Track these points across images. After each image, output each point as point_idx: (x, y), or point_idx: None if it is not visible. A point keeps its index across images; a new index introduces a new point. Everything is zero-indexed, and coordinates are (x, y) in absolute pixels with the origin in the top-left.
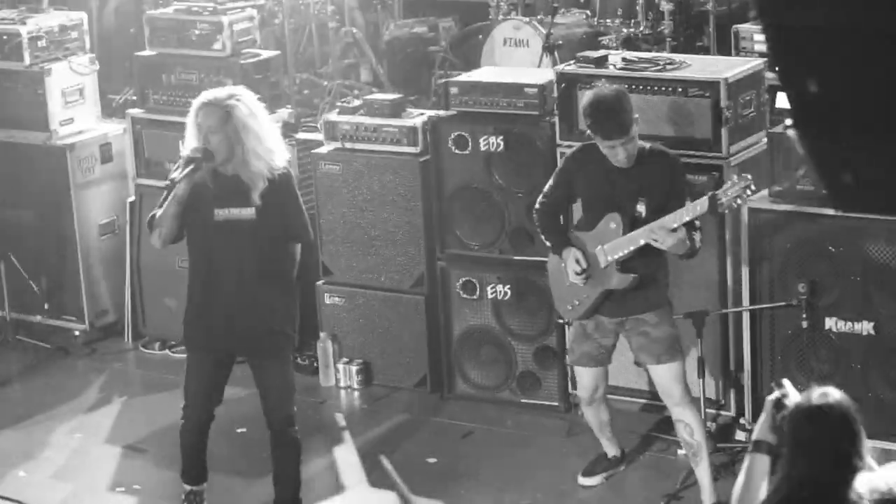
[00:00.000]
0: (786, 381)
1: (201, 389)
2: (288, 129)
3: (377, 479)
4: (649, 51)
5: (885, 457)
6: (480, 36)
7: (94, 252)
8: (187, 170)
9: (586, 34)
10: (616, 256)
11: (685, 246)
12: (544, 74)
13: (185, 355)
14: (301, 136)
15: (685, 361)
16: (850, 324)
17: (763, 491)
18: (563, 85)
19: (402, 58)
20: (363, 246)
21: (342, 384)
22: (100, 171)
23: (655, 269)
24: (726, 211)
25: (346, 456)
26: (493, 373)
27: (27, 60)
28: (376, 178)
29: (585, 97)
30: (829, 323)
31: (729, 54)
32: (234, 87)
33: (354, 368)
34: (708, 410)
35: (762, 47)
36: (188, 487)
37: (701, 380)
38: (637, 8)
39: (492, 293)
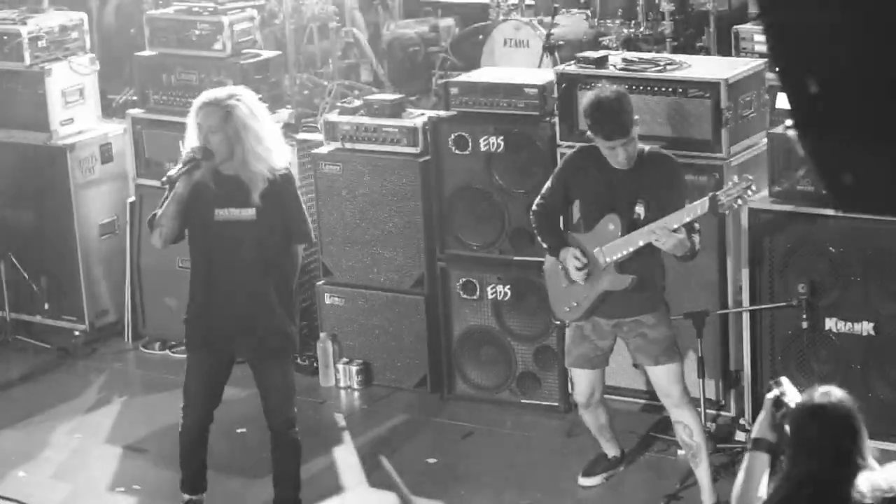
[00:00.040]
0: (784, 380)
1: (201, 389)
2: (288, 130)
3: (377, 479)
4: (649, 51)
5: (885, 457)
6: (481, 36)
7: (94, 252)
8: (185, 167)
9: (587, 34)
10: (615, 258)
11: (685, 247)
12: (544, 75)
13: (184, 356)
14: (301, 136)
15: (683, 362)
16: (850, 324)
17: (763, 489)
18: (564, 85)
19: (403, 58)
20: (363, 246)
21: (342, 384)
22: (100, 171)
23: (653, 271)
24: (727, 212)
25: (346, 456)
26: (493, 373)
27: (27, 60)
28: (376, 178)
29: (586, 98)
30: (830, 323)
31: (729, 55)
32: (234, 87)
33: (354, 369)
34: (708, 411)
35: (762, 48)
36: (187, 497)
37: (701, 380)
38: (637, 8)
39: (492, 293)
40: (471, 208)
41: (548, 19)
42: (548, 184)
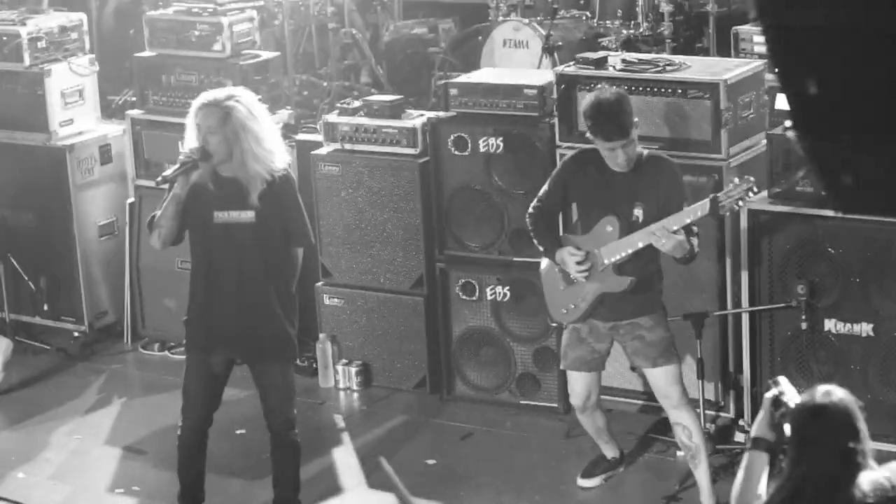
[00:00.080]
0: (782, 379)
1: (201, 390)
2: (288, 131)
3: (376, 480)
4: (649, 52)
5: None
6: (480, 37)
7: (93, 253)
8: (181, 168)
9: (586, 35)
10: (614, 259)
11: (684, 249)
12: (544, 76)
13: (184, 356)
14: (301, 137)
15: (681, 364)
16: (849, 325)
17: (762, 488)
18: (563, 86)
19: (402, 59)
20: (362, 247)
21: (341, 385)
22: (99, 172)
23: (651, 274)
24: (728, 213)
25: (346, 457)
26: (493, 374)
27: (27, 61)
28: (376, 179)
29: (586, 99)
30: (829, 324)
31: (729, 56)
32: (233, 87)
33: (354, 370)
34: (707, 412)
35: (762, 49)
36: None
37: (700, 381)
38: (637, 9)
39: (491, 294)
40: (470, 209)
41: (548, 20)
42: (545, 187)
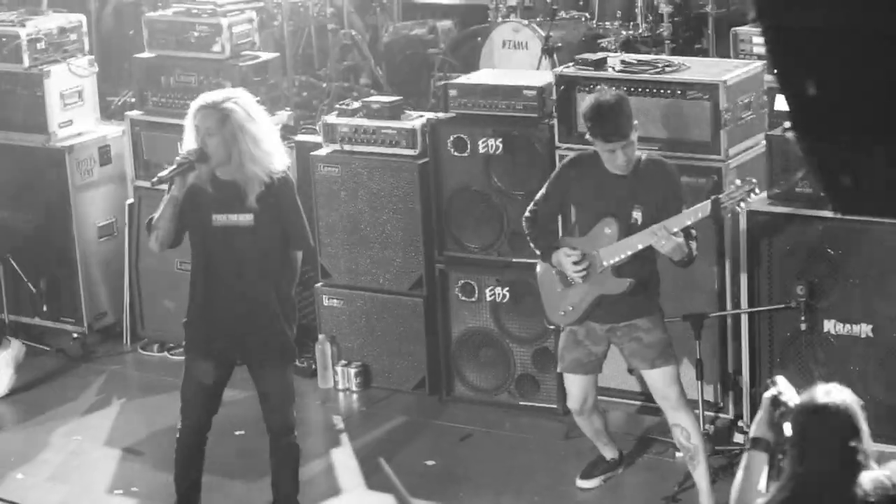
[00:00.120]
0: (780, 379)
1: (200, 393)
2: (287, 132)
3: (376, 481)
4: (648, 53)
5: (883, 459)
6: (479, 38)
7: (92, 254)
8: (177, 168)
9: (585, 36)
10: (612, 261)
11: (683, 252)
12: (543, 77)
13: (183, 358)
14: (300, 138)
15: (679, 365)
16: (848, 326)
17: (762, 488)
18: (562, 87)
19: (401, 60)
20: (362, 248)
21: (340, 386)
22: (98, 173)
23: (648, 275)
24: (728, 215)
25: (345, 458)
26: (492, 375)
27: (26, 62)
28: (375, 180)
29: (586, 101)
30: (828, 325)
31: (728, 57)
32: (232, 89)
33: (353, 371)
34: (706, 413)
35: (761, 49)
36: None
37: (699, 382)
38: (636, 10)
39: (490, 295)
40: (469, 210)
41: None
42: (542, 190)
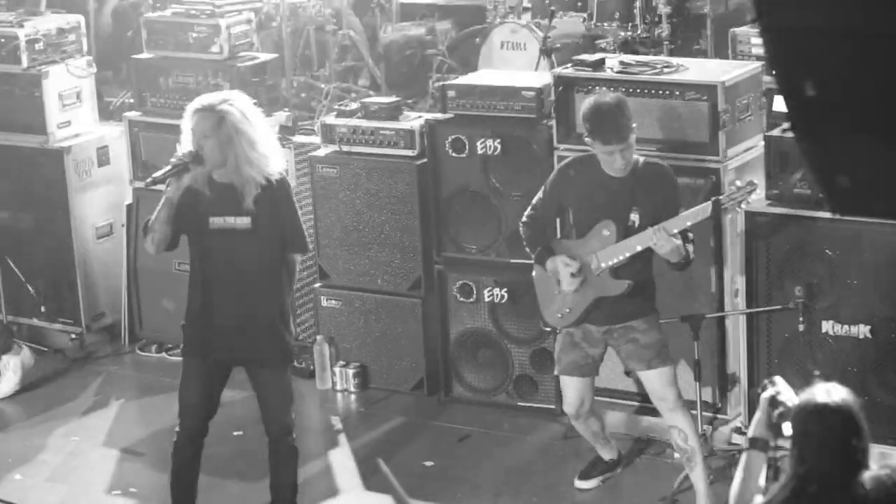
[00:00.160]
0: (778, 379)
1: (197, 396)
2: (285, 133)
3: (374, 482)
4: (646, 54)
5: (881, 460)
6: (478, 39)
7: (90, 255)
8: (172, 169)
9: (584, 37)
10: (611, 263)
11: (680, 254)
12: (541, 78)
13: (181, 358)
14: (298, 139)
15: (675, 366)
16: (846, 327)
17: (761, 488)
18: (561, 88)
19: (400, 61)
20: (360, 249)
21: (339, 387)
22: (97, 173)
23: (645, 277)
24: (729, 216)
25: (343, 459)
26: (490, 376)
27: (24, 63)
28: (373, 181)
29: (585, 103)
30: (826, 326)
31: (726, 57)
32: (229, 92)
33: (351, 371)
34: (704, 414)
35: (759, 50)
36: None
37: (697, 383)
38: (634, 11)
39: (488, 296)
40: (467, 211)
41: (545, 22)
42: (539, 194)
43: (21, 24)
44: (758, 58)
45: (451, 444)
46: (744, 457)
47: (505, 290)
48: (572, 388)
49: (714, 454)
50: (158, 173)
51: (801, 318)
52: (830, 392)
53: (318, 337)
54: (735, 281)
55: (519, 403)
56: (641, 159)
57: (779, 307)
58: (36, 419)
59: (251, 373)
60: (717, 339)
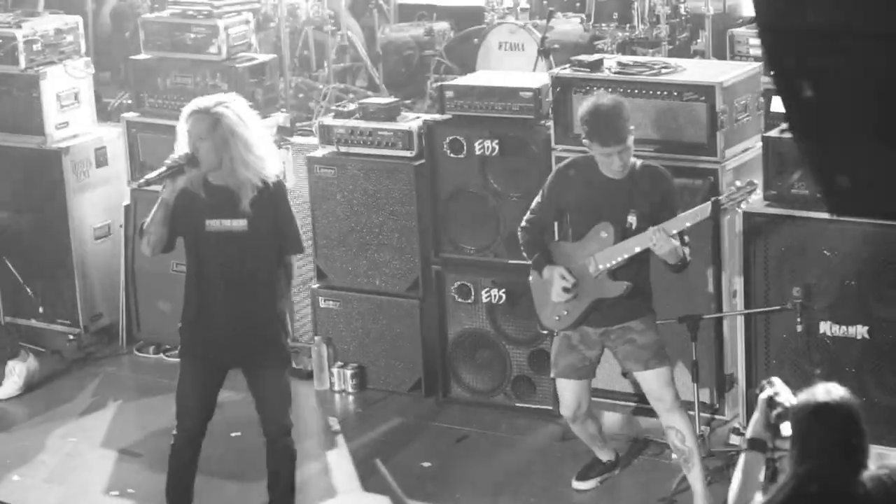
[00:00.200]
0: (776, 379)
1: (195, 399)
2: (283, 133)
3: (371, 483)
4: (645, 55)
5: (878, 460)
6: (476, 40)
7: (88, 256)
8: (166, 171)
9: (582, 38)
10: (609, 265)
11: (678, 256)
12: (539, 78)
13: (178, 359)
14: (296, 139)
15: (672, 367)
16: (844, 328)
17: (759, 489)
18: (559, 89)
19: (398, 61)
20: (358, 250)
21: (337, 388)
22: (95, 174)
23: (643, 278)
24: (728, 216)
25: (341, 460)
26: (488, 377)
27: (22, 64)
28: (371, 181)
29: (584, 105)
30: (824, 327)
31: (724, 58)
32: (224, 94)
33: (349, 372)
34: (702, 414)
35: (757, 51)
36: None
37: (695, 384)
38: (633, 12)
39: (486, 297)
40: (466, 212)
41: (543, 23)
42: (538, 198)
43: (19, 25)
44: (756, 59)
45: (449, 445)
46: (742, 458)
47: (503, 290)
48: (569, 391)
49: (712, 455)
50: (152, 174)
51: (798, 319)
52: (830, 391)
53: (316, 338)
54: (733, 281)
55: (517, 404)
56: (639, 162)
57: (777, 308)
58: (34, 420)
59: (249, 375)
60: (715, 339)
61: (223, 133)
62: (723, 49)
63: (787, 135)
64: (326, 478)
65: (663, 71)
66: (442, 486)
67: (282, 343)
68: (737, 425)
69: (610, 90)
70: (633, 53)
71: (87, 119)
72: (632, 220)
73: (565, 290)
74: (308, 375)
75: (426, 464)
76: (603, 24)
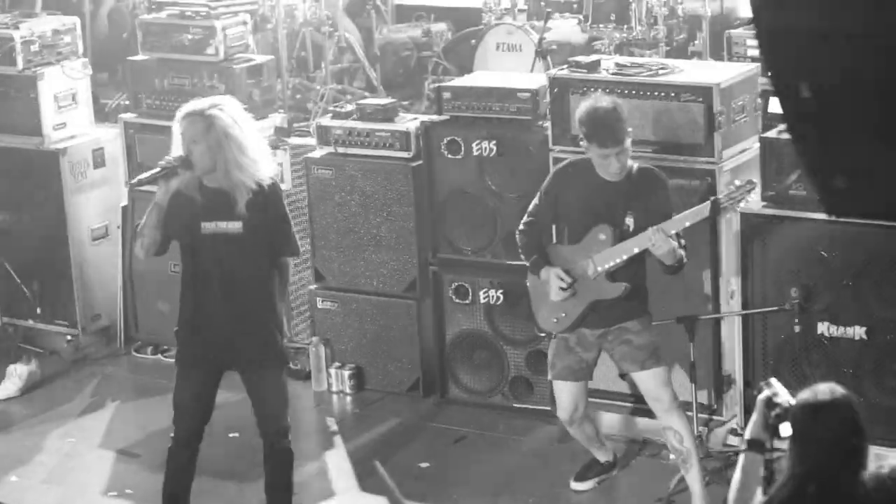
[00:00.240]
0: (774, 381)
1: (191, 401)
2: (281, 134)
3: (369, 483)
4: (642, 56)
5: (877, 461)
6: (473, 41)
7: (86, 257)
8: (159, 172)
9: (580, 39)
10: (607, 266)
11: (675, 257)
12: (537, 79)
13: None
14: (294, 140)
15: (669, 367)
16: (842, 328)
17: (759, 490)
18: (556, 90)
19: (395, 62)
20: (356, 250)
21: (334, 389)
22: (92, 175)
23: (640, 279)
24: (728, 215)
25: (338, 461)
26: (486, 377)
27: (20, 65)
28: (369, 182)
29: (581, 107)
30: (822, 328)
31: (722, 59)
32: (219, 96)
33: (347, 373)
34: (700, 415)
35: (755, 52)
36: None
37: (693, 385)
38: (630, 13)
39: (484, 298)
40: (463, 213)
41: (541, 24)
42: (535, 200)
43: (17, 26)
44: (753, 59)
45: (447, 446)
46: (741, 459)
47: (501, 291)
48: (566, 393)
49: (710, 455)
50: (145, 175)
51: (796, 320)
52: (830, 391)
53: (314, 339)
54: (730, 282)
55: (515, 405)
56: (635, 165)
57: (774, 309)
58: (32, 421)
59: (245, 376)
60: (713, 340)
61: (217, 136)
62: (720, 50)
63: (785, 136)
64: (324, 478)
65: (661, 72)
66: (440, 487)
67: (278, 345)
68: (735, 426)
69: (607, 91)
70: (631, 54)
71: (85, 120)
72: (629, 221)
73: (562, 289)
74: (306, 376)
75: (424, 464)
76: (600, 25)
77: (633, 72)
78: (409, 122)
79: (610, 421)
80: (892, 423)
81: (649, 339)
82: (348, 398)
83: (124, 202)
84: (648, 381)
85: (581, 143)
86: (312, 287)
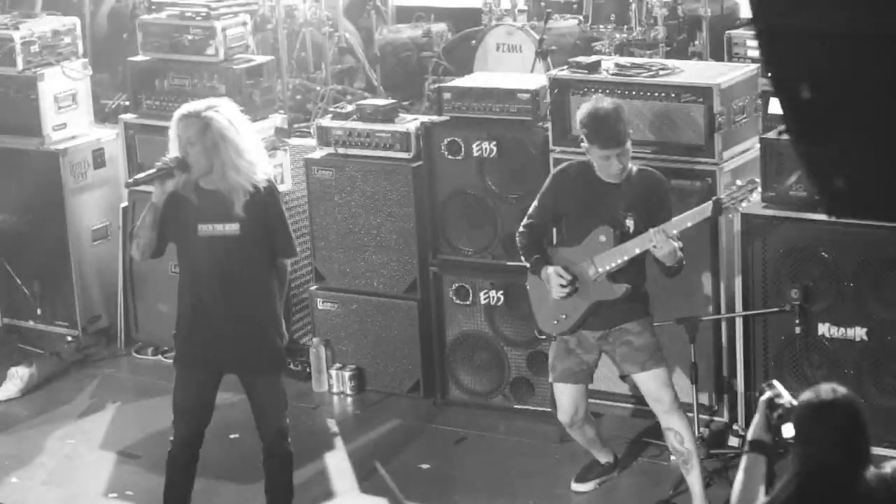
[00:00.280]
0: (776, 382)
1: (191, 402)
2: (281, 135)
3: (370, 485)
4: (642, 56)
5: (877, 462)
6: (473, 41)
7: (86, 257)
8: (155, 172)
9: (580, 39)
10: (608, 267)
11: (675, 257)
12: (537, 80)
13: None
14: (294, 141)
15: (669, 368)
16: (843, 329)
17: (761, 491)
18: (556, 90)
19: (396, 63)
20: (356, 251)
21: (335, 390)
22: (92, 176)
23: (639, 281)
24: (730, 215)
25: (339, 462)
26: (487, 378)
27: (20, 65)
28: (369, 183)
29: (583, 108)
30: (822, 329)
31: (722, 60)
32: (216, 98)
33: (347, 374)
34: (701, 416)
35: (755, 53)
36: None
37: (694, 386)
38: (630, 13)
39: (485, 299)
40: (464, 213)
41: (541, 24)
42: (535, 202)
43: (16, 27)
44: (753, 60)
45: (448, 447)
46: (744, 460)
47: (501, 292)
48: (567, 396)
49: (710, 457)
50: (141, 175)
51: (797, 321)
52: (833, 391)
53: (315, 339)
54: (731, 283)
55: (515, 406)
56: (635, 167)
57: (775, 310)
58: (32, 422)
59: (244, 379)
60: (714, 341)
61: (213, 137)
62: (720, 51)
63: (785, 136)
64: (324, 480)
65: (661, 72)
66: (440, 488)
67: (277, 347)
68: (736, 427)
69: (607, 92)
70: (631, 55)
71: (85, 120)
72: (629, 223)
73: (563, 286)
74: (306, 377)
75: (425, 465)
76: (600, 26)
77: (633, 72)
78: (409, 122)
79: (611, 422)
80: (892, 424)
81: (649, 340)
82: (349, 399)
83: (124, 203)
84: (649, 382)
85: (582, 144)
86: (313, 288)
